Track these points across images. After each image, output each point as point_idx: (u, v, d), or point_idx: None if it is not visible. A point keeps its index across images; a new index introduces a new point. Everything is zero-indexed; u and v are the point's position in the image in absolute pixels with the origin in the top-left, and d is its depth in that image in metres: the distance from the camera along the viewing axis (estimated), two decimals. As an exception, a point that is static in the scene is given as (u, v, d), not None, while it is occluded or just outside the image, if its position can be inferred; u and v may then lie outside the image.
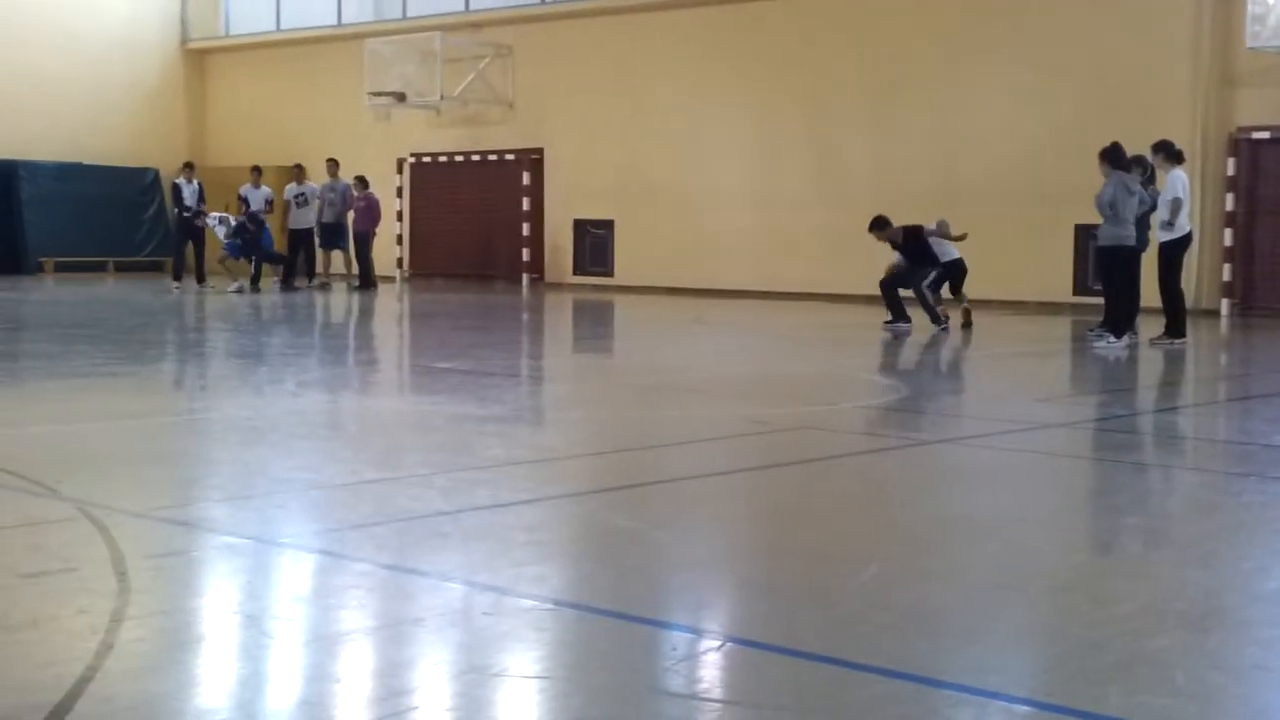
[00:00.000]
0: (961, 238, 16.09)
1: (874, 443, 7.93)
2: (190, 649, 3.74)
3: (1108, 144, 13.86)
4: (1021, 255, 20.20)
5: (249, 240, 22.59)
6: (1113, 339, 13.58)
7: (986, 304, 20.00)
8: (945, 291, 16.08)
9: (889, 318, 15.53)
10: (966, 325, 15.75)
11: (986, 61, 20.73)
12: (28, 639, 3.74)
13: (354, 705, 3.32)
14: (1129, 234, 13.61)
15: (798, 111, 22.52)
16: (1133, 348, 13.45)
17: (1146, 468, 7.37)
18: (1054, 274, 20.02)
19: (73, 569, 4.44)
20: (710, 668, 3.64)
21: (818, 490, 6.38)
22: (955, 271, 16.17)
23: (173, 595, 4.28)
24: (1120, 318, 13.73)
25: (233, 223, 22.68)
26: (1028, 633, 4.07)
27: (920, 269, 15.60)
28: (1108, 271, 14.05)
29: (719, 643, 3.82)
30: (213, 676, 3.53)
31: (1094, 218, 14.36)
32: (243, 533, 5.08)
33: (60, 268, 27.36)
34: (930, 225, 15.88)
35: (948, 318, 15.55)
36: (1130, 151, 13.90)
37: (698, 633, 3.93)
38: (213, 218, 22.71)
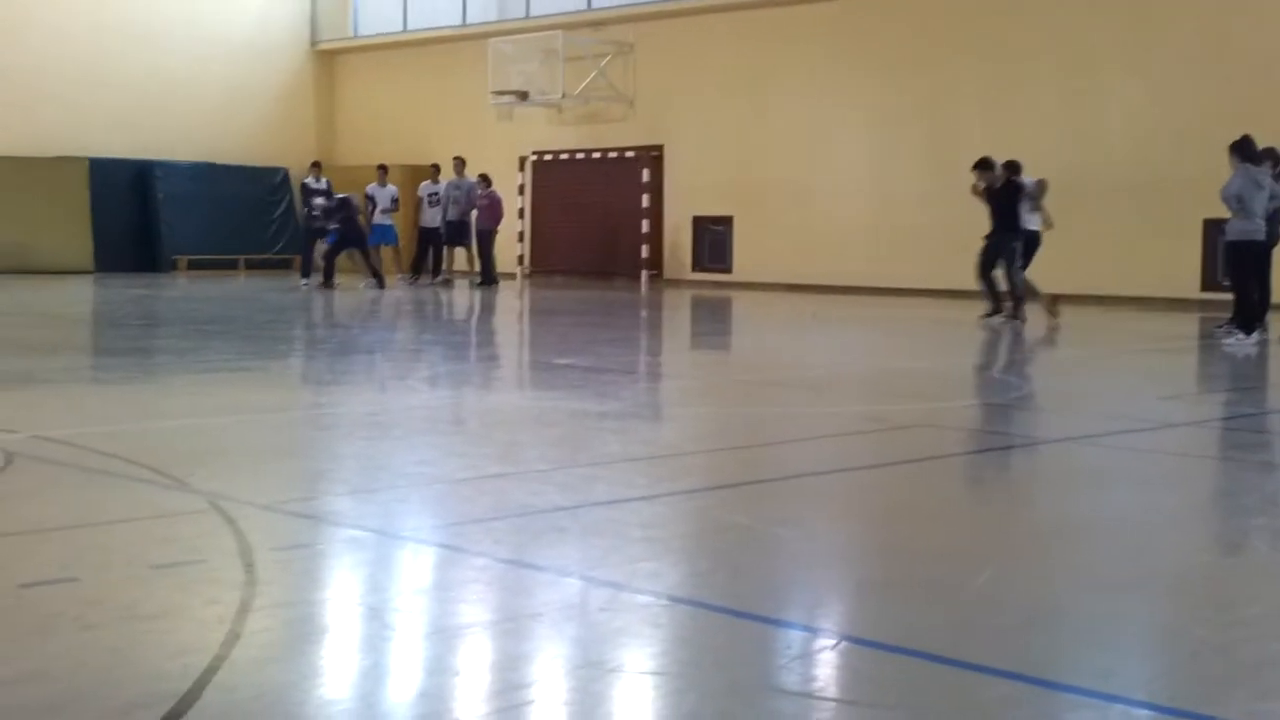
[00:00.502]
0: (1048, 221, 15.82)
1: (992, 441, 7.84)
2: (314, 640, 3.83)
3: (1238, 137, 13.55)
4: (1147, 251, 19.80)
5: (346, 230, 22.51)
6: (1241, 335, 13.27)
7: (1111, 300, 19.63)
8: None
9: (987, 309, 15.38)
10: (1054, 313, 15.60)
11: (1109, 54, 20.36)
12: (158, 628, 3.85)
13: (473, 698, 3.38)
14: (1258, 228, 13.30)
15: (916, 106, 22.30)
16: (1262, 345, 13.12)
17: (1275, 467, 7.20)
18: (1181, 270, 19.58)
19: (202, 560, 4.56)
20: (825, 666, 3.63)
21: (935, 489, 6.33)
22: (1030, 247, 16.01)
23: (298, 587, 4.38)
24: (1249, 314, 13.42)
25: (327, 202, 22.81)
26: (1150, 635, 4.00)
27: (1006, 236, 15.41)
28: (1236, 267, 13.77)
29: (834, 641, 3.82)
30: (336, 667, 3.61)
31: (1223, 212, 14.07)
32: (366, 526, 5.18)
33: (193, 265, 28.04)
34: (1030, 183, 15.69)
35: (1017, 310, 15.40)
36: (1261, 144, 13.59)
37: (813, 631, 3.93)
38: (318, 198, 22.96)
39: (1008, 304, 15.63)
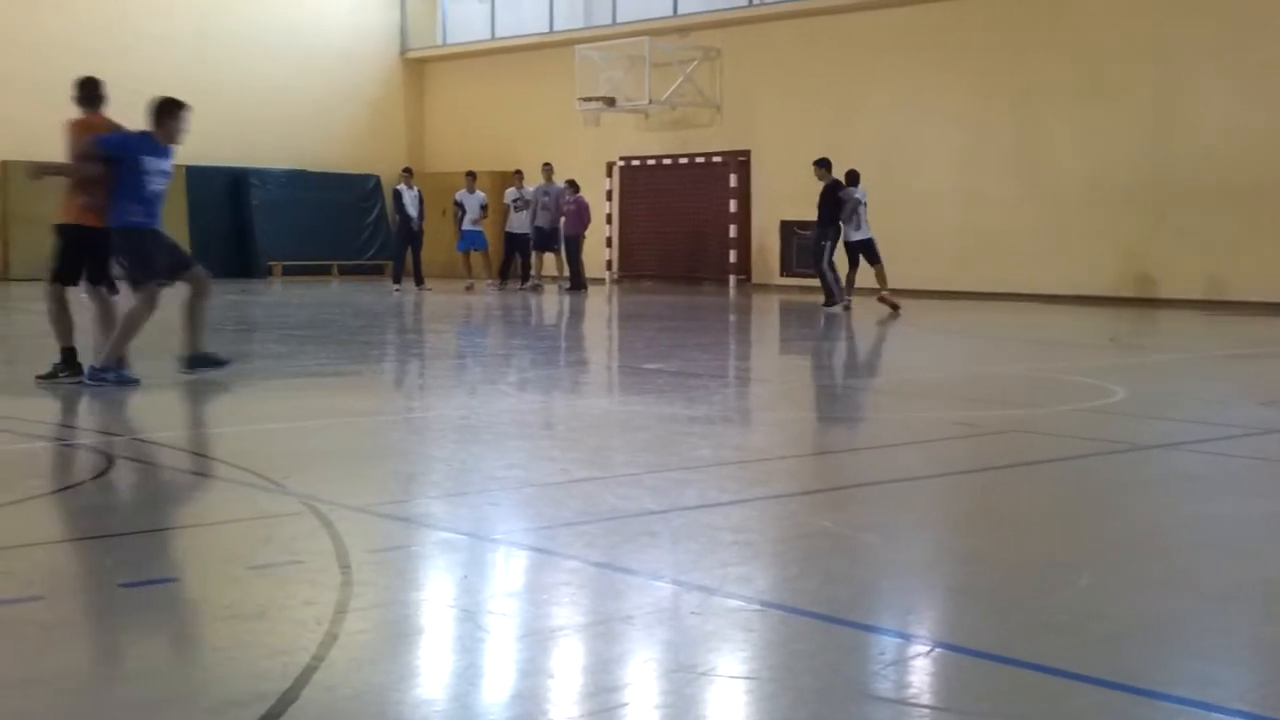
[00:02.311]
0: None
1: (1087, 447, 7.74)
2: (410, 641, 3.88)
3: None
4: (1244, 254, 19.45)
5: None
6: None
7: (1209, 305, 19.32)
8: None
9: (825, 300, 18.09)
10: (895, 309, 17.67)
11: (1200, 55, 20.03)
12: (257, 628, 3.92)
13: (566, 700, 3.40)
14: None
15: (1006, 109, 22.10)
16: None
17: (1382, 476, 7.03)
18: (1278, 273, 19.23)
19: (299, 561, 4.64)
20: (919, 673, 3.61)
21: (1029, 495, 6.26)
22: (868, 252, 18.60)
23: (393, 588, 4.43)
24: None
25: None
26: (1250, 644, 3.93)
27: (819, 232, 18.30)
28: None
29: (928, 648, 3.80)
30: (431, 668, 3.65)
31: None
32: (459, 529, 5.24)
33: (287, 271, 28.46)
34: (859, 195, 18.22)
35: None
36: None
37: (906, 637, 3.91)
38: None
39: (847, 298, 18.24)
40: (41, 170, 9.96)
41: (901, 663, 3.69)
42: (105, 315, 9.72)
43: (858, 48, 24.00)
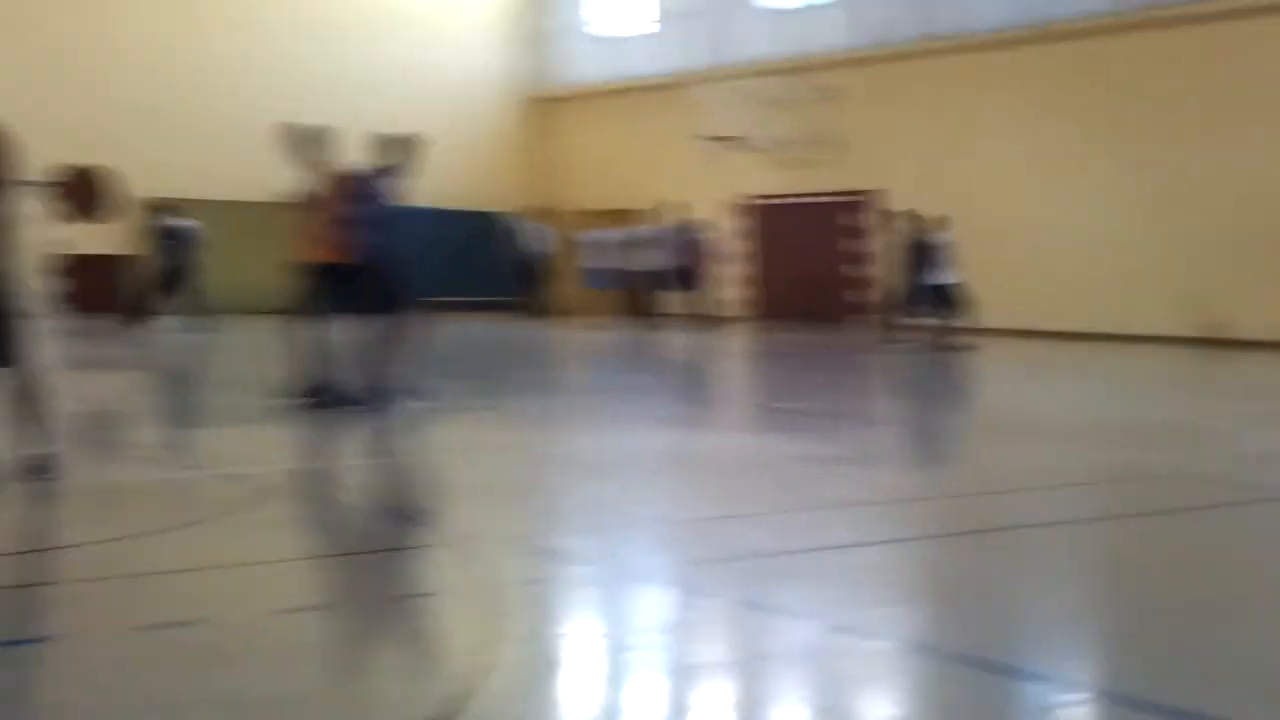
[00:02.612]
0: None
1: (1238, 494, 7.55)
2: (555, 673, 3.91)
3: None
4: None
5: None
6: None
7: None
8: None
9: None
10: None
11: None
12: (404, 658, 3.99)
13: (716, 737, 3.40)
14: None
15: (1134, 149, 21.71)
16: None
17: None
18: None
19: (450, 592, 4.70)
20: (1074, 720, 3.55)
21: (1180, 541, 6.12)
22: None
23: (543, 620, 4.47)
24: None
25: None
26: None
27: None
28: None
29: (1081, 695, 3.73)
30: (580, 701, 3.67)
31: None
32: (603, 564, 5.26)
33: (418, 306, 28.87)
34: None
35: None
36: None
37: (1060, 683, 3.84)
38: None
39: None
40: None
41: (1055, 710, 3.62)
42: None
43: (983, 86, 23.78)
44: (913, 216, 20.04)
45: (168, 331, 20.29)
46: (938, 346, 18.97)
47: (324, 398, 9.92)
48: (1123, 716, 3.58)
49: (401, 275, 10.30)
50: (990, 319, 23.21)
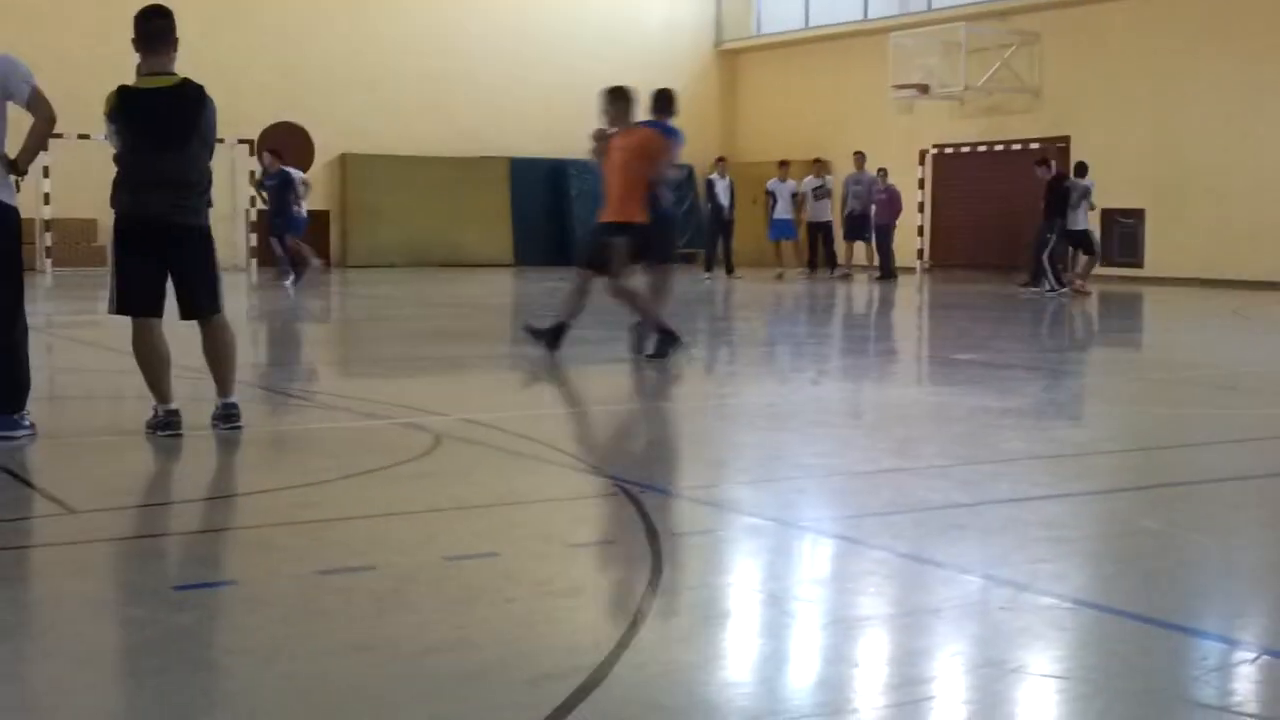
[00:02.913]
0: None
1: None
2: (716, 624, 3.94)
3: None
4: None
5: None
6: None
7: None
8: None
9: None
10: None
11: None
12: (571, 604, 4.06)
13: (871, 690, 3.39)
14: None
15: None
16: None
17: None
18: None
19: (611, 542, 4.77)
20: (1245, 680, 3.45)
21: (1373, 500, 5.87)
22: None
23: (701, 571, 4.51)
24: None
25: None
26: None
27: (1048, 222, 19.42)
28: None
29: (1254, 654, 3.62)
30: (737, 651, 3.70)
31: None
32: (765, 515, 5.28)
33: (602, 260, 29.12)
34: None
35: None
36: None
37: (1231, 643, 3.73)
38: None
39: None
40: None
41: (1225, 669, 3.53)
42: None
43: (1185, 30, 22.89)
44: (1046, 161, 20.44)
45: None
46: (1077, 292, 19.36)
47: (550, 338, 10.72)
48: (1294, 678, 3.47)
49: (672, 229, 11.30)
50: (1187, 269, 22.48)
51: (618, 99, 10.92)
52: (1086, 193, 19.72)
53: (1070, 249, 20.37)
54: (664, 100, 11.50)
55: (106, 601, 4.17)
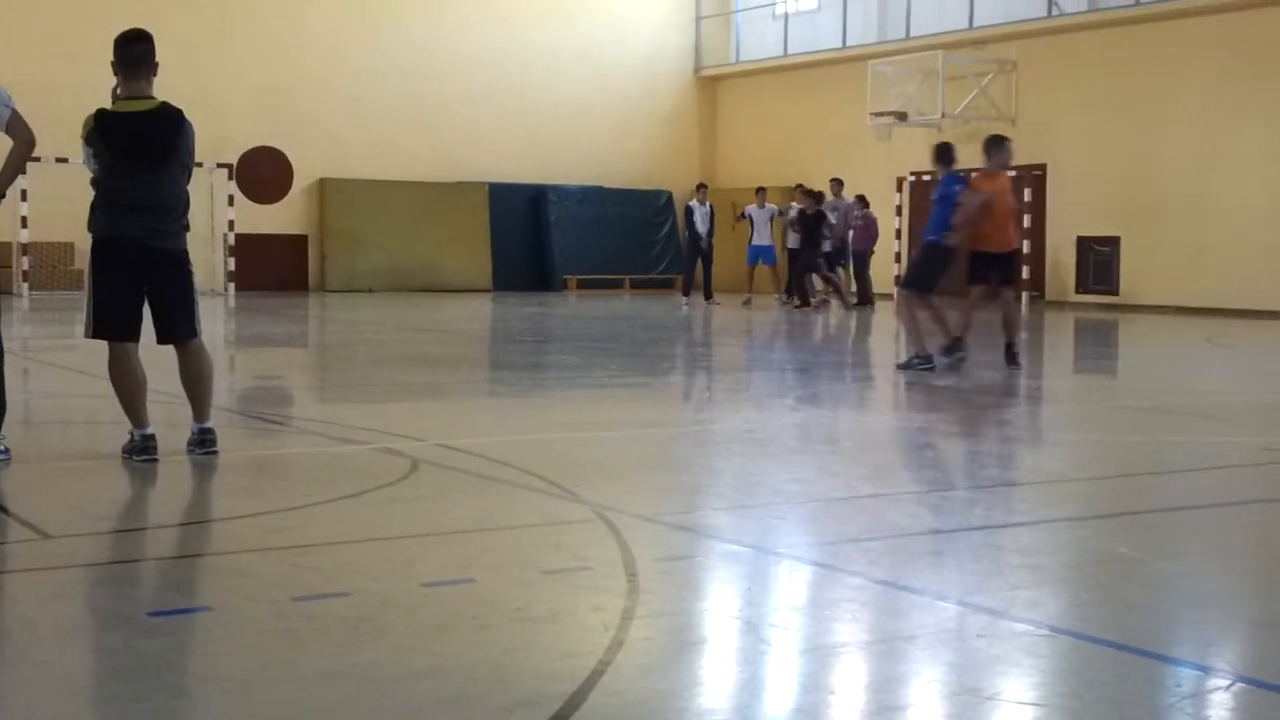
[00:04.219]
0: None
1: None
2: (693, 650, 3.94)
3: None
4: None
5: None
6: None
7: None
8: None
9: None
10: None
11: None
12: (548, 631, 4.05)
13: (847, 717, 3.40)
14: None
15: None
16: None
17: None
18: None
19: (588, 568, 4.76)
20: (1219, 708, 3.47)
21: (1345, 527, 5.91)
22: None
23: (678, 597, 4.51)
24: None
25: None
26: None
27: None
28: None
29: (1228, 681, 3.64)
30: (714, 678, 3.70)
31: None
32: (742, 541, 5.29)
33: (582, 285, 29.17)
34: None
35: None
36: None
37: (1204, 669, 3.75)
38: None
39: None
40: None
41: (1200, 696, 3.55)
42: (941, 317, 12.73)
43: (1160, 57, 23.09)
44: (812, 193, 22.88)
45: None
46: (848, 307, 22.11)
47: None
48: (1267, 704, 3.49)
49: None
50: (1162, 296, 22.65)
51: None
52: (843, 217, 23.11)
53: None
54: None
55: (81, 628, 4.14)
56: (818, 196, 22.98)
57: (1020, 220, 12.18)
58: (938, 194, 12.48)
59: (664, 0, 31.36)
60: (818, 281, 23.16)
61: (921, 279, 12.71)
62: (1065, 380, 13.66)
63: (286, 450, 7.74)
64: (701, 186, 25.06)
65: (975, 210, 12.00)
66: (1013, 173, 12.81)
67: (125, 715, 3.35)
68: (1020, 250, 12.43)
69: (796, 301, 23.57)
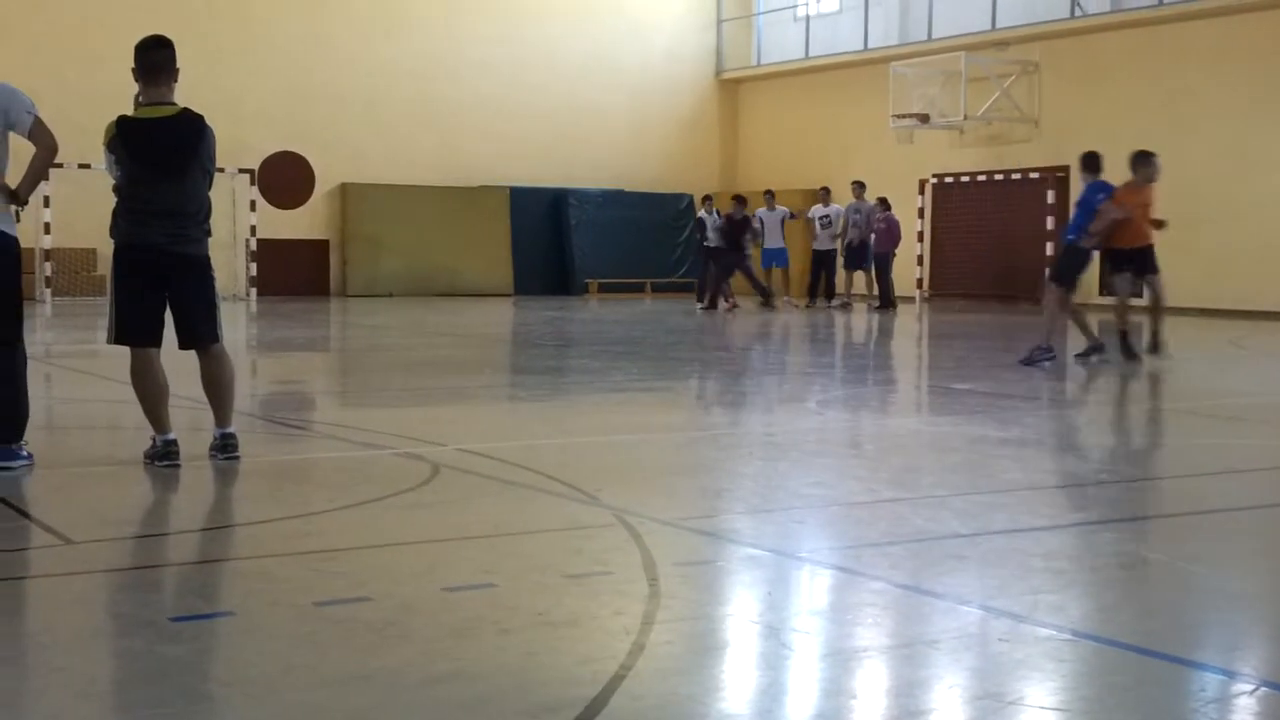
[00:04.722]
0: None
1: None
2: (714, 655, 3.93)
3: None
4: None
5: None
6: None
7: None
8: None
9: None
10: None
11: None
12: (569, 635, 4.05)
13: (868, 721, 3.39)
14: None
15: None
16: None
17: None
18: None
19: (609, 572, 4.76)
20: (1243, 712, 3.44)
21: (1372, 530, 5.87)
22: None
23: (699, 602, 4.50)
24: None
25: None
26: None
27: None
28: None
29: (1253, 686, 3.61)
30: (735, 683, 3.70)
31: None
32: (764, 545, 5.27)
33: (602, 289, 29.17)
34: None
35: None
36: None
37: (1229, 674, 3.73)
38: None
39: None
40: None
41: (1224, 701, 3.52)
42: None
43: (1185, 58, 22.98)
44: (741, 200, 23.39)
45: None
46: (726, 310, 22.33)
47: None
48: (1294, 711, 3.46)
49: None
50: (1187, 298, 22.51)
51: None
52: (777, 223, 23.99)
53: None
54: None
55: (103, 633, 4.16)
56: (743, 201, 23.32)
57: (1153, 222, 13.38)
58: (1081, 198, 13.43)
59: (685, 3, 31.35)
60: (785, 284, 23.40)
61: (1065, 276, 13.58)
62: (1089, 383, 13.59)
63: (308, 455, 7.76)
64: (708, 198, 25.07)
65: (1109, 225, 12.97)
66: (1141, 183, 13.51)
67: (147, 720, 3.36)
68: (1152, 244, 13.48)
69: (705, 303, 23.43)
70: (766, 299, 23.29)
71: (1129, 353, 13.20)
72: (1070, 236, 13.40)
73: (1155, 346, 13.14)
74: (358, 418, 9.43)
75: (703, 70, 31.73)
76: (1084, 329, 13.55)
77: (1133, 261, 13.36)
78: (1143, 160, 13.37)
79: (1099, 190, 13.17)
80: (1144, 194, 13.29)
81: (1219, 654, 3.97)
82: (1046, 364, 12.77)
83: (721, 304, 22.90)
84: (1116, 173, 21.92)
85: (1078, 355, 13.28)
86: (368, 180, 27.74)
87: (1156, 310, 13.46)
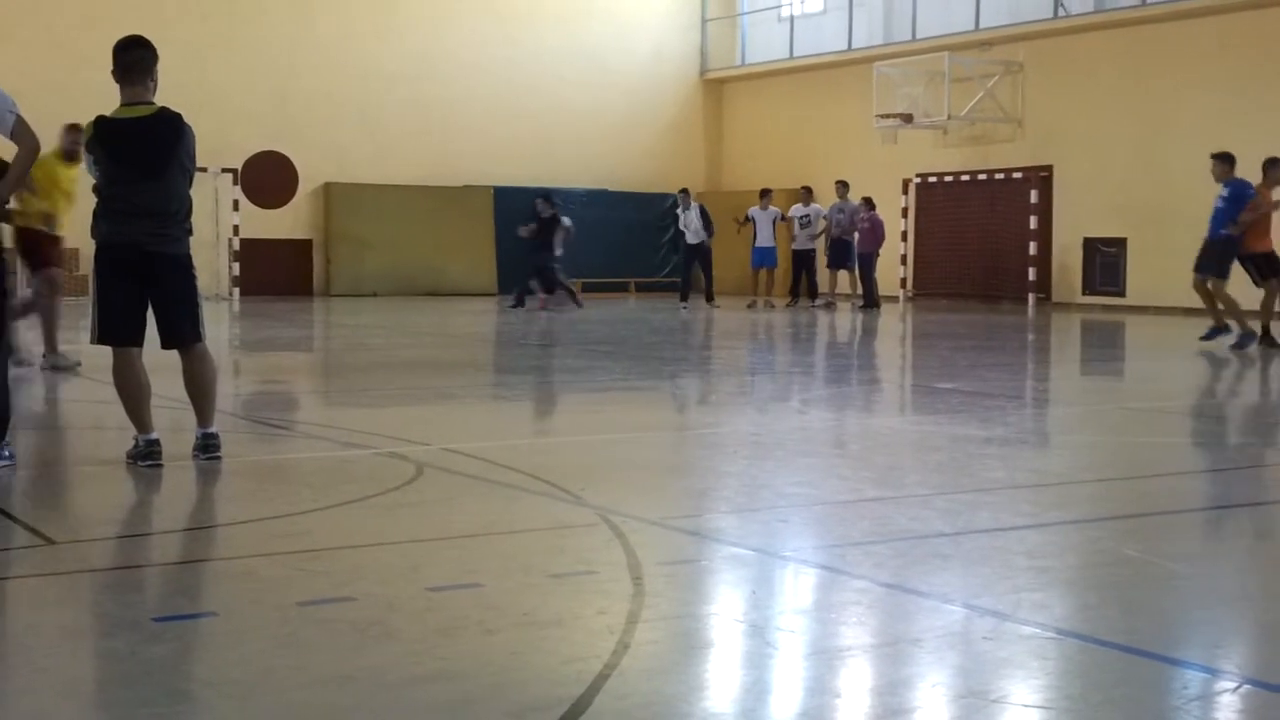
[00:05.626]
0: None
1: None
2: (699, 654, 3.93)
3: None
4: None
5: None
6: None
7: None
8: None
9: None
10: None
11: None
12: (553, 635, 4.05)
13: None
14: None
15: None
16: None
17: None
18: None
19: (593, 571, 4.76)
20: (1226, 710, 3.46)
21: (1353, 528, 5.89)
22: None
23: (683, 601, 4.50)
24: None
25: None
26: None
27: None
28: None
29: (1235, 684, 3.63)
30: (719, 682, 3.70)
31: None
32: (748, 544, 5.28)
33: (587, 288, 29.13)
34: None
35: None
36: None
37: (1213, 672, 3.74)
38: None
39: None
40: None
41: (1207, 698, 3.53)
42: None
43: (1168, 58, 23.05)
44: (548, 199, 23.25)
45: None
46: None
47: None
48: (1275, 706, 3.48)
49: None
50: (1170, 298, 22.59)
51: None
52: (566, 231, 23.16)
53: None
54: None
55: (85, 633, 4.14)
56: (553, 202, 23.20)
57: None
58: (1229, 194, 14.87)
59: (669, 3, 31.34)
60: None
61: (1220, 266, 14.86)
62: (1072, 382, 13.64)
63: (291, 455, 7.74)
64: (684, 192, 25.08)
65: (1260, 213, 14.48)
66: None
67: (130, 721, 3.35)
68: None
69: (512, 301, 23.41)
70: (570, 299, 22.74)
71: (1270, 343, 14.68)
72: (1223, 231, 14.73)
73: (1270, 342, 14.59)
74: (341, 417, 9.42)
75: (687, 70, 31.74)
76: (1217, 314, 14.96)
77: (1258, 263, 14.88)
78: (1274, 165, 14.92)
79: (1248, 186, 14.71)
80: (1270, 197, 14.85)
81: (1202, 651, 3.98)
82: (1250, 346, 14.35)
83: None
84: (1116, 172, 21.88)
85: (1222, 340, 14.76)
86: (351, 180, 27.68)
87: (1269, 309, 14.86)
